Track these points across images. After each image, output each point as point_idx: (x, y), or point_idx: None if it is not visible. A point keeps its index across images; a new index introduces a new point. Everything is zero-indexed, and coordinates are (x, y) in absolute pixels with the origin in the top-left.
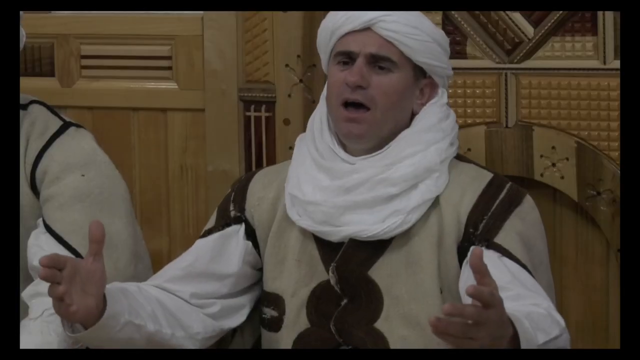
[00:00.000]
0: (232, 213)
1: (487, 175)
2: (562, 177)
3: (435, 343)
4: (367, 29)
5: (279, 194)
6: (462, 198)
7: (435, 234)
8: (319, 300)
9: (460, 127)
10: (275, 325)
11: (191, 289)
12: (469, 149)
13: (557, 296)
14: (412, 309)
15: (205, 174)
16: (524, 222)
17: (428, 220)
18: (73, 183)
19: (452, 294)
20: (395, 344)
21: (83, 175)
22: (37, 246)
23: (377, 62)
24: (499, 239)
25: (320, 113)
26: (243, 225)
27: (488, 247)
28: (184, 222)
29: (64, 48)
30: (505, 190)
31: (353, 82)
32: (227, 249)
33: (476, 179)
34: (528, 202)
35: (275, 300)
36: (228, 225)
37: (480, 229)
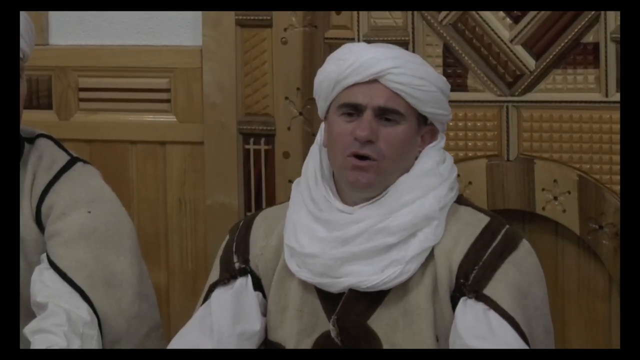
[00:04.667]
0: (237, 265)
1: (483, 221)
2: (564, 211)
3: None
4: (374, 80)
5: (280, 241)
6: (455, 247)
7: (430, 283)
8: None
9: (461, 160)
10: None
11: None
12: (470, 183)
13: (559, 331)
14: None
15: (204, 208)
16: (519, 268)
17: (424, 269)
18: (79, 220)
19: (448, 342)
20: None
21: (89, 212)
22: (41, 282)
23: (384, 114)
24: (488, 290)
25: (313, 162)
26: (249, 276)
27: (477, 298)
28: (183, 256)
29: (62, 80)
30: (499, 237)
31: (364, 137)
32: (246, 306)
33: (470, 225)
34: (524, 247)
35: None
36: (234, 277)
37: (471, 279)
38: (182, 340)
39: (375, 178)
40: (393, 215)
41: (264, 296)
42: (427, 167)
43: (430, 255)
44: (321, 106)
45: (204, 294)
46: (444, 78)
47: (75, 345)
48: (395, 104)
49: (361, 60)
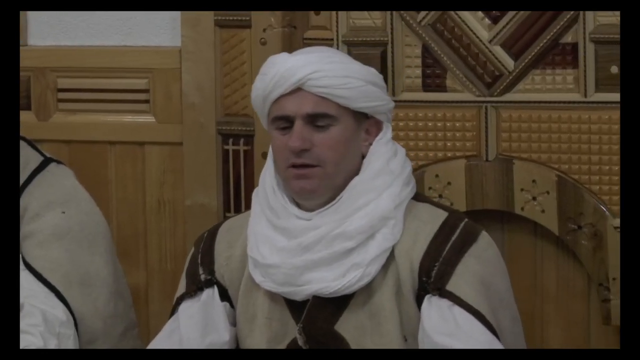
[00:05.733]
0: (203, 277)
1: (441, 216)
2: (543, 211)
3: None
4: (298, 89)
5: (244, 251)
6: (415, 245)
7: (393, 284)
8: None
9: (440, 160)
10: None
11: None
12: (449, 183)
13: (538, 331)
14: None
15: (183, 208)
16: (480, 260)
17: (386, 270)
18: (53, 220)
19: (417, 340)
20: None
21: (63, 213)
22: None
23: (315, 120)
24: (451, 286)
25: (269, 172)
26: (215, 287)
27: (441, 295)
28: (162, 256)
29: (41, 81)
30: (458, 231)
31: (296, 148)
32: (213, 318)
33: (428, 222)
34: (484, 239)
35: None
36: (200, 290)
37: (433, 276)
38: None
39: (319, 183)
40: (349, 220)
41: (232, 306)
42: (378, 167)
43: (391, 256)
44: (262, 121)
45: (172, 307)
46: (373, 69)
47: (52, 345)
48: (323, 108)
49: (281, 72)
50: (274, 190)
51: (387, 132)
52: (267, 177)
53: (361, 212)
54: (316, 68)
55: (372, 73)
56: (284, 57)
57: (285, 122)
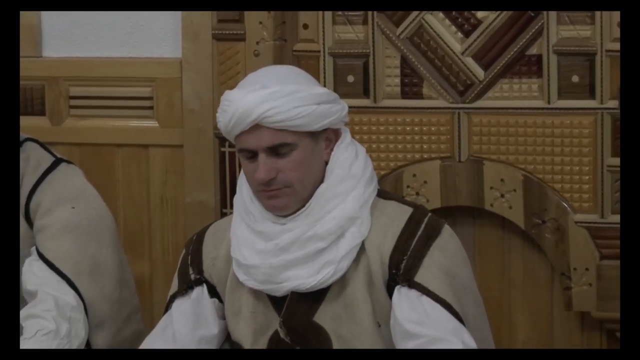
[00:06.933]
0: (192, 276)
1: (407, 212)
2: (510, 207)
3: None
4: (256, 125)
5: (229, 251)
6: (384, 240)
7: (364, 275)
8: (277, 347)
9: (417, 161)
10: None
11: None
12: (425, 182)
13: (505, 317)
14: (355, 346)
15: (184, 205)
16: (444, 252)
17: (358, 263)
18: (64, 215)
19: (389, 327)
20: None
21: (73, 208)
22: (31, 272)
23: (276, 150)
24: (419, 277)
25: (245, 183)
26: (204, 285)
27: (410, 286)
28: (164, 249)
29: (54, 89)
30: (423, 226)
31: (262, 180)
32: (203, 313)
33: (395, 218)
34: (446, 231)
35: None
36: (191, 288)
37: (402, 269)
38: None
39: (288, 200)
40: (320, 223)
41: (221, 301)
42: (341, 174)
43: (362, 250)
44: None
45: (165, 305)
46: (322, 89)
47: (64, 328)
48: (282, 139)
49: (239, 113)
50: (251, 199)
51: (346, 136)
52: (244, 187)
53: (330, 215)
54: (269, 106)
55: (321, 93)
56: (239, 95)
57: (250, 153)
